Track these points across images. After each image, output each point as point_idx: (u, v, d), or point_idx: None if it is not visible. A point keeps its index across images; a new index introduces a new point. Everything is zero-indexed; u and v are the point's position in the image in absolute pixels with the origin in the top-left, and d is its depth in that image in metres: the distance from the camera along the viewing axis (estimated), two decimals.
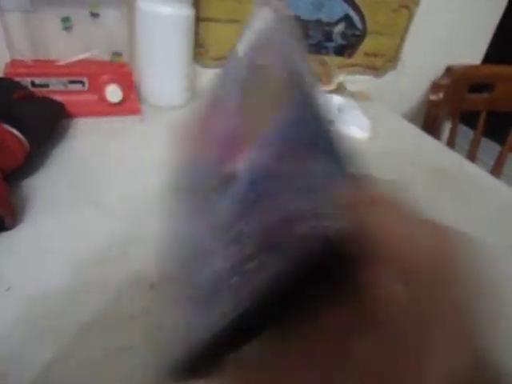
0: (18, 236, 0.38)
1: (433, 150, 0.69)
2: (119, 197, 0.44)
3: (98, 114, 0.60)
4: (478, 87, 0.97)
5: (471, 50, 1.02)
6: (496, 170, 0.89)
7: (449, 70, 0.89)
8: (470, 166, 0.65)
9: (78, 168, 0.49)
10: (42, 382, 0.27)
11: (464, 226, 0.48)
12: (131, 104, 0.63)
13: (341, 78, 0.74)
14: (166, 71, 0.65)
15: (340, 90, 0.74)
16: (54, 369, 0.28)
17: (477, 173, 0.63)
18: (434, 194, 0.55)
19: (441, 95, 0.84)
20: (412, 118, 0.88)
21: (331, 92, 0.72)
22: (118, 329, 0.31)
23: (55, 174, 0.47)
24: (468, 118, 0.98)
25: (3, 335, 0.29)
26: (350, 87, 0.80)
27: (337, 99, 0.70)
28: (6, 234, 0.37)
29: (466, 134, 1.04)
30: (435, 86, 0.88)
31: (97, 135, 0.57)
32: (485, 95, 0.98)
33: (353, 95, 0.77)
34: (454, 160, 0.67)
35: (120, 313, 0.32)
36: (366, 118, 0.71)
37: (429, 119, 0.85)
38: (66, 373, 0.28)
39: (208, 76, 0.77)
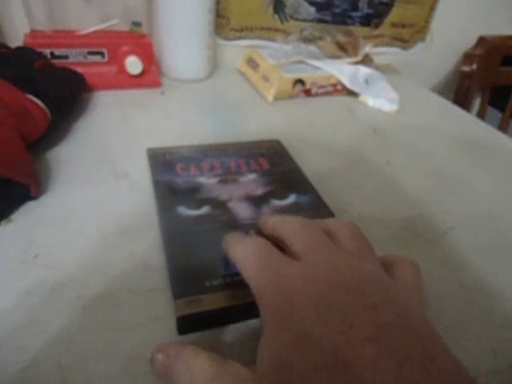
0: (43, 206, 0.37)
1: (464, 123, 0.66)
2: (143, 168, 0.43)
3: (118, 87, 0.59)
4: (509, 61, 0.92)
5: (503, 21, 0.96)
6: None
7: (482, 41, 0.84)
8: (503, 138, 0.61)
9: (101, 140, 0.48)
10: (68, 352, 0.26)
11: (500, 200, 0.45)
12: (152, 76, 0.61)
13: (367, 48, 0.71)
14: (187, 42, 0.63)
15: (367, 61, 0.71)
16: (80, 339, 0.27)
17: (511, 145, 0.60)
18: (467, 167, 0.53)
19: (474, 66, 0.80)
20: (441, 91, 0.84)
21: (358, 63, 0.68)
22: (146, 299, 0.30)
23: (78, 146, 0.46)
24: (495, 100, 0.94)
25: (29, 303, 0.29)
26: (377, 60, 0.77)
27: (364, 71, 0.67)
28: (33, 204, 0.37)
29: (493, 115, 1.00)
30: (468, 57, 0.83)
31: (118, 108, 0.56)
32: None
33: (379, 68, 0.73)
34: (487, 132, 0.63)
35: (148, 284, 0.31)
36: (394, 90, 0.68)
37: (460, 92, 0.81)
38: (93, 342, 0.27)
39: (229, 48, 0.75)
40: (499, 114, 0.98)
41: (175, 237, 0.33)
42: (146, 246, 0.34)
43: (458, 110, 0.70)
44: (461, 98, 0.81)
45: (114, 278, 0.31)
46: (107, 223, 0.36)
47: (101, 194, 0.40)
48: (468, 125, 0.66)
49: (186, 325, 0.28)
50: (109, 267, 0.32)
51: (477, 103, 0.96)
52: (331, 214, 0.38)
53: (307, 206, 0.38)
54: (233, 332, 0.28)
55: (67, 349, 0.26)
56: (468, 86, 0.80)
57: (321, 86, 0.65)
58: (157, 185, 0.39)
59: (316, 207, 0.39)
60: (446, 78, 0.93)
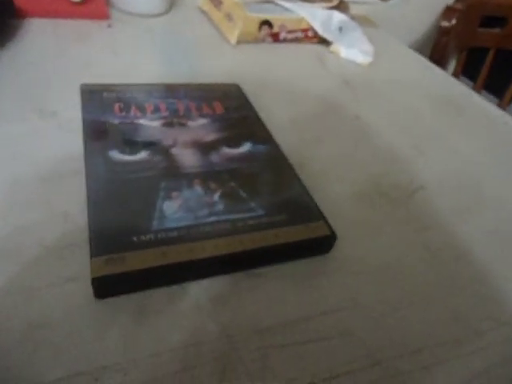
0: None
1: (440, 81, 0.62)
2: (76, 107, 0.36)
3: (56, 15, 0.51)
4: (488, 24, 0.88)
5: None
6: None
7: None
8: (478, 98, 0.58)
9: (28, 73, 0.41)
10: None
11: (468, 158, 0.41)
12: (96, 5, 0.53)
13: None
14: None
15: (342, 7, 0.65)
16: None
17: (485, 105, 0.57)
18: (440, 125, 0.49)
19: (453, 21, 0.75)
20: (418, 49, 0.79)
21: (332, 8, 0.62)
22: (62, 256, 0.25)
23: None
24: (468, 69, 0.92)
25: None
26: (353, 10, 0.71)
27: (338, 17, 0.61)
28: None
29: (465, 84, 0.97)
30: (448, 11, 0.79)
31: (53, 38, 0.48)
32: (497, 30, 0.90)
33: (355, 18, 0.67)
34: (462, 91, 0.60)
35: (66, 238, 0.26)
36: (369, 42, 0.62)
37: (437, 48, 0.76)
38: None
39: None
40: (471, 84, 0.95)
41: (102, 184, 0.28)
42: (68, 196, 0.29)
43: (434, 68, 0.66)
44: (437, 55, 0.76)
45: (25, 230, 0.26)
46: (23, 167, 0.31)
47: (19, 134, 0.33)
48: (443, 83, 0.62)
49: (105, 287, 0.23)
50: (20, 218, 0.27)
51: (451, 68, 0.93)
52: (290, 167, 0.34)
53: (263, 157, 0.34)
54: (162, 297, 0.24)
55: None
56: (446, 42, 0.75)
57: (290, 31, 0.59)
58: (87, 124, 0.33)
59: (273, 158, 0.34)
60: (423, 36, 0.88)
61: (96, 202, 0.27)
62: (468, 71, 0.94)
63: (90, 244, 0.24)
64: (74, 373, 0.20)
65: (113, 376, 0.20)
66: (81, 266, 0.24)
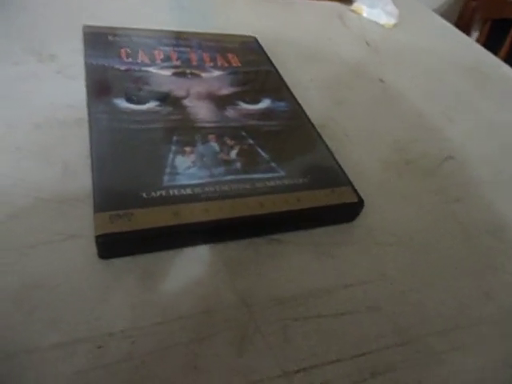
0: None
1: (466, 48, 0.58)
2: (78, 51, 0.33)
3: None
4: None
5: None
6: None
7: None
8: (507, 68, 0.55)
9: (27, 14, 0.37)
10: None
11: (498, 128, 0.37)
12: None
13: None
14: None
15: None
16: None
17: None
18: (468, 91, 0.46)
19: None
20: (442, 15, 0.74)
21: None
22: (61, 211, 0.23)
23: None
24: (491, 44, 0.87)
25: None
26: None
27: None
28: None
29: None
30: None
31: None
32: None
33: None
34: (489, 60, 0.56)
35: (66, 192, 0.24)
36: (393, 3, 0.58)
37: (465, 14, 0.72)
38: None
39: None
40: None
41: (107, 135, 0.25)
42: (68, 146, 0.26)
43: (460, 35, 0.62)
44: (463, 22, 0.72)
45: (20, 182, 0.23)
46: (18, 112, 0.27)
47: (14, 77, 0.30)
48: (470, 50, 0.58)
49: (110, 247, 0.21)
50: (15, 168, 0.24)
51: (474, 38, 0.88)
52: (312, 127, 0.31)
53: (283, 114, 0.31)
54: (173, 260, 0.22)
55: None
56: (474, 7, 0.70)
57: None
58: (90, 69, 0.30)
59: (294, 116, 0.31)
60: (447, 1, 0.83)
61: (100, 154, 0.24)
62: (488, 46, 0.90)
63: (94, 198, 0.21)
64: (75, 339, 0.18)
65: (118, 344, 0.18)
66: (83, 223, 0.22)
